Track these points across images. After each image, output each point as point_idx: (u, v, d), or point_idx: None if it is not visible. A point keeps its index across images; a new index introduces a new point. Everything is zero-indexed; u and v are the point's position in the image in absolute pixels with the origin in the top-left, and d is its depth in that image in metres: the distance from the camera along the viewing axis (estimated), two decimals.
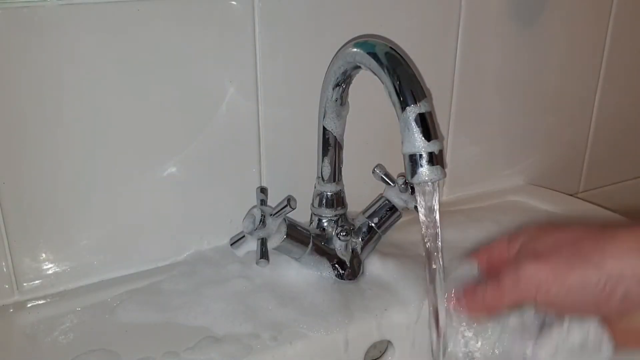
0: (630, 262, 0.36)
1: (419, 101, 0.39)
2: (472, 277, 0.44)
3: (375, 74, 0.43)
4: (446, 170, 0.40)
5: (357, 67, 0.47)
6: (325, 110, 0.51)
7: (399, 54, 0.42)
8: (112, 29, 0.48)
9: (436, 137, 0.39)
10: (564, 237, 0.39)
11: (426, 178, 0.39)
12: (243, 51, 0.54)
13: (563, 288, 0.37)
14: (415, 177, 0.39)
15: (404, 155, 0.40)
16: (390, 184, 0.56)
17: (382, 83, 0.42)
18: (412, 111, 0.39)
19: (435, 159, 0.39)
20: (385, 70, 0.41)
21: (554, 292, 0.38)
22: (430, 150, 0.39)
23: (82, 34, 0.47)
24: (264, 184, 0.59)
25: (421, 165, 0.39)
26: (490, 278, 0.42)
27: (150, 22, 0.49)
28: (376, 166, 0.56)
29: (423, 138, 0.39)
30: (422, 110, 0.39)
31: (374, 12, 0.58)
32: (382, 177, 0.56)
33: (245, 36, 0.53)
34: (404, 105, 0.40)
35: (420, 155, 0.39)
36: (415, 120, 0.39)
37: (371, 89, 0.58)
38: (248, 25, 0.53)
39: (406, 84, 0.40)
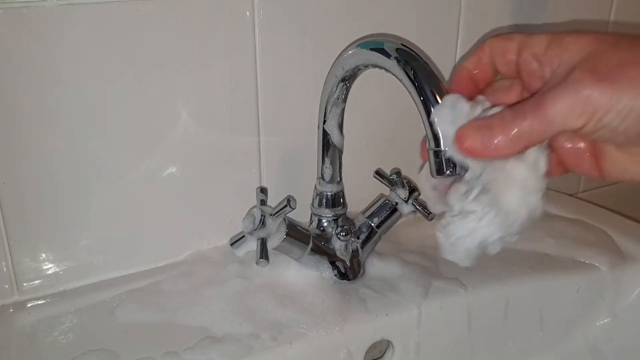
0: None
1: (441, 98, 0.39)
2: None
3: (392, 73, 0.42)
4: None
5: (365, 67, 0.47)
6: (325, 114, 0.51)
7: (413, 51, 0.42)
8: (112, 29, 0.48)
9: None
10: (628, 55, 0.31)
11: (448, 172, 0.39)
12: (243, 51, 0.54)
13: (620, 116, 0.30)
14: (440, 172, 0.39)
15: (428, 150, 0.40)
16: (390, 186, 0.56)
17: (399, 80, 0.42)
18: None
19: None
20: (402, 68, 0.41)
21: (608, 120, 0.30)
22: None
23: (82, 34, 0.47)
24: (264, 184, 0.59)
25: (445, 162, 0.39)
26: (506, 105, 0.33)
27: (150, 22, 0.49)
28: (376, 170, 0.56)
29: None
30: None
31: (374, 12, 0.58)
32: (382, 180, 0.56)
33: (245, 36, 0.53)
34: (427, 106, 0.39)
35: (445, 152, 0.39)
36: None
37: (371, 89, 0.58)
38: (248, 25, 0.53)
39: (425, 81, 0.40)
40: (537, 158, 0.35)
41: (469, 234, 0.35)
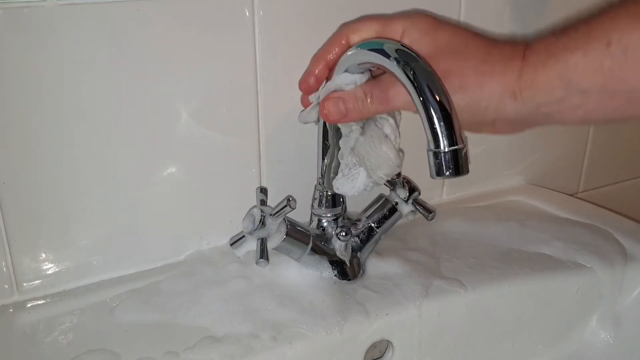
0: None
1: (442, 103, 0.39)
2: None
3: (391, 74, 0.42)
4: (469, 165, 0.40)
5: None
6: None
7: (413, 51, 0.42)
8: (112, 29, 0.48)
9: (460, 136, 0.39)
10: (452, 64, 0.43)
11: (448, 174, 0.39)
12: (243, 51, 0.54)
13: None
14: (439, 173, 0.39)
15: (428, 152, 0.40)
16: (390, 186, 0.56)
17: (399, 80, 0.41)
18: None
19: (460, 156, 0.39)
20: (401, 68, 0.41)
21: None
22: (454, 148, 0.39)
23: (82, 34, 0.47)
24: (264, 184, 0.59)
25: (445, 163, 0.39)
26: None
27: (150, 22, 0.49)
28: None
29: (447, 136, 0.39)
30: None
31: (374, 12, 0.58)
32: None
33: (245, 36, 0.53)
34: (427, 107, 0.39)
35: (445, 153, 0.39)
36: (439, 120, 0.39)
37: None
38: (248, 25, 0.53)
39: (424, 81, 0.40)
40: (390, 130, 0.49)
41: (353, 185, 0.50)
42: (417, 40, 0.45)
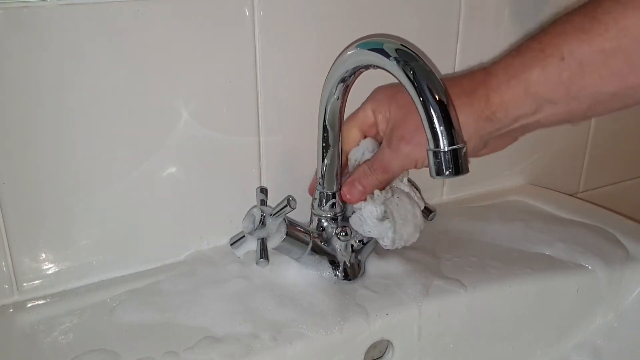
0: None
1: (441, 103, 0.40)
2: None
3: (391, 74, 0.43)
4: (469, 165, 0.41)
5: (365, 67, 0.47)
6: (325, 114, 0.51)
7: (412, 51, 0.42)
8: (112, 29, 0.48)
9: (460, 135, 0.40)
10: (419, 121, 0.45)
11: (447, 173, 0.39)
12: (243, 51, 0.54)
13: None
14: (439, 173, 0.40)
15: (427, 151, 0.40)
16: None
17: (399, 80, 0.42)
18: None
19: (459, 156, 0.39)
20: (401, 68, 0.41)
21: (424, 161, 0.49)
22: (454, 147, 0.39)
23: (82, 34, 0.47)
24: (264, 184, 0.59)
25: (445, 162, 0.39)
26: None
27: (150, 22, 0.49)
28: None
29: (446, 135, 0.39)
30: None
31: (373, 12, 0.58)
32: None
33: (245, 36, 0.53)
34: (426, 107, 0.40)
35: (444, 152, 0.39)
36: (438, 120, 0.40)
37: (371, 89, 0.58)
38: (248, 25, 0.53)
39: (424, 81, 0.40)
40: (408, 188, 0.54)
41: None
42: (387, 110, 0.51)
